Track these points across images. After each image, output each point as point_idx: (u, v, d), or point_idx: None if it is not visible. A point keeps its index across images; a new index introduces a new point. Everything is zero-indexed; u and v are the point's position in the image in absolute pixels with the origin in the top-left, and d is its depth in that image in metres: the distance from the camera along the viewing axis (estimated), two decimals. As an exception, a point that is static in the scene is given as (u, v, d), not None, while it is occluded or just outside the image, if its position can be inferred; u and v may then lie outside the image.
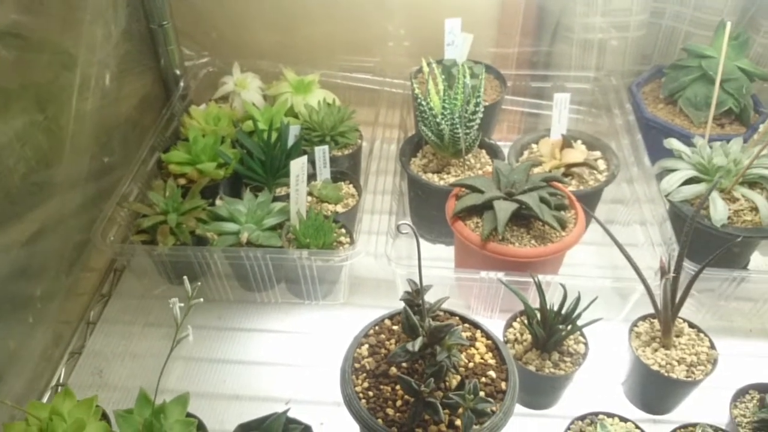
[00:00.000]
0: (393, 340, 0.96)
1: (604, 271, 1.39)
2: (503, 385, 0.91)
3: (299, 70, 1.63)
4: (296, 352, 1.25)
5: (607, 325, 1.17)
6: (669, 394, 1.09)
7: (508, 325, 1.13)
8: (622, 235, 1.36)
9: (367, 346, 0.96)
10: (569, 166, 1.33)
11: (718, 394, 1.08)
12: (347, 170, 1.47)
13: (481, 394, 0.88)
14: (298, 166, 1.22)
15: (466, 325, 1.00)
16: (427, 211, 1.38)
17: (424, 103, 1.27)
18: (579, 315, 1.04)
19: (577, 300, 1.03)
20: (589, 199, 1.34)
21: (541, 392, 1.11)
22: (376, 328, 0.99)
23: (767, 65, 1.65)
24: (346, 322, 1.27)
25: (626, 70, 1.67)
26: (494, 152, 1.41)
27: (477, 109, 1.27)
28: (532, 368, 1.06)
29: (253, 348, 1.26)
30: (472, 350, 0.96)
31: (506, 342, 1.10)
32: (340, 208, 1.37)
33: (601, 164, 1.38)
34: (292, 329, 1.29)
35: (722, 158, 1.23)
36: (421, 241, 1.45)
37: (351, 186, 1.43)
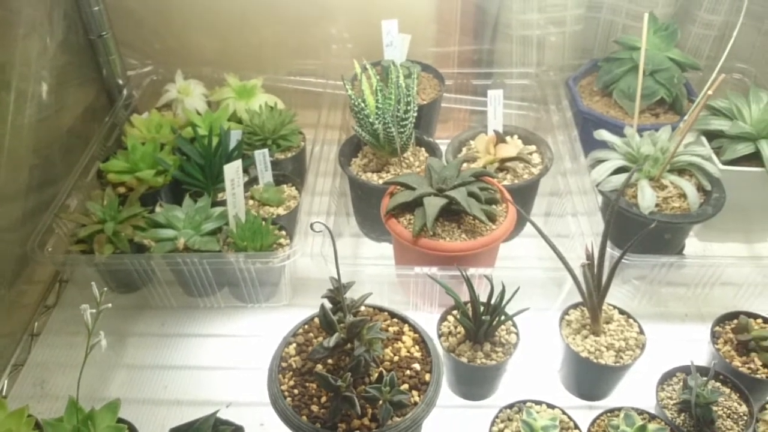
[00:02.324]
0: (321, 338, 0.97)
1: (544, 262, 1.41)
2: (427, 377, 0.93)
3: (243, 75, 1.64)
4: (238, 356, 1.25)
5: (543, 314, 1.20)
6: (600, 379, 1.11)
7: (443, 319, 1.15)
8: (557, 226, 1.40)
9: (295, 345, 0.97)
10: (503, 160, 1.35)
11: (654, 378, 1.11)
12: (291, 173, 1.48)
13: (405, 386, 0.89)
14: (232, 170, 1.23)
15: (395, 319, 1.02)
16: (369, 210, 1.40)
17: (357, 104, 1.28)
18: (504, 306, 1.06)
19: (503, 291, 1.05)
20: (525, 192, 1.36)
21: (476, 383, 1.13)
22: (306, 326, 1.00)
23: (704, 55, 1.70)
24: (289, 323, 1.27)
25: (566, 65, 1.70)
26: (432, 150, 1.43)
27: (409, 108, 1.29)
28: (464, 360, 1.07)
29: (196, 353, 1.27)
30: (399, 344, 0.98)
31: (440, 335, 1.12)
32: (281, 211, 1.38)
33: (536, 158, 1.40)
34: (235, 333, 1.30)
35: (650, 147, 1.26)
36: (366, 239, 1.48)
37: (293, 188, 1.44)
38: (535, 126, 1.60)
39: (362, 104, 1.28)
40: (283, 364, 0.94)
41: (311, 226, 0.85)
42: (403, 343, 0.98)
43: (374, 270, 1.21)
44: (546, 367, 1.20)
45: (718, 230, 1.42)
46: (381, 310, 1.03)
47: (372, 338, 0.86)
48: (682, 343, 1.24)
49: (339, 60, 1.72)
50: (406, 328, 1.01)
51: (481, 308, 1.07)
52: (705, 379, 0.99)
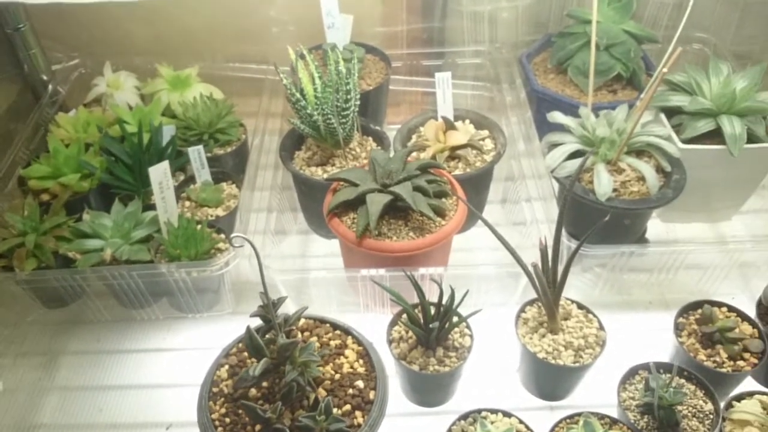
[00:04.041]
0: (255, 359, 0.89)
1: (502, 252, 1.35)
2: (371, 394, 0.86)
3: (178, 64, 1.53)
4: (179, 371, 1.17)
5: (501, 310, 1.13)
6: (560, 380, 1.06)
7: (394, 323, 1.08)
8: (514, 213, 1.33)
9: (227, 367, 0.89)
10: (454, 148, 1.27)
11: (618, 372, 1.05)
12: (231, 169, 1.39)
13: (347, 407, 0.82)
14: (159, 172, 1.13)
15: (337, 331, 0.95)
16: (315, 206, 1.30)
17: (293, 94, 1.19)
18: (456, 308, 0.99)
19: (452, 294, 0.98)
20: (478, 181, 1.29)
21: (430, 390, 1.06)
22: (239, 345, 0.92)
23: (662, 25, 1.63)
24: (233, 334, 1.19)
25: (520, 41, 1.62)
26: (380, 139, 1.35)
27: (350, 97, 1.20)
28: (415, 368, 1.01)
29: (134, 370, 1.18)
30: (342, 359, 0.90)
31: (391, 341, 1.05)
32: (221, 212, 1.29)
33: (489, 144, 1.33)
34: (176, 346, 1.22)
35: (606, 129, 1.19)
36: (316, 237, 1.40)
37: (234, 186, 1.35)
38: (490, 107, 1.52)
39: (298, 95, 1.19)
40: (214, 390, 0.86)
41: (230, 240, 0.76)
42: (346, 358, 0.90)
43: (318, 274, 1.13)
44: (505, 366, 1.14)
45: (682, 211, 1.36)
46: (322, 321, 0.96)
47: (306, 360, 0.78)
48: (647, 333, 1.19)
49: (280, 44, 1.61)
50: (349, 340, 0.93)
51: (432, 311, 1.00)
52: (667, 379, 0.93)
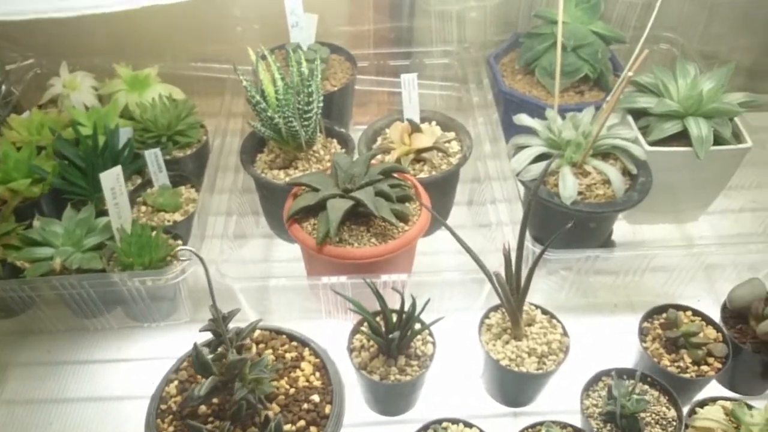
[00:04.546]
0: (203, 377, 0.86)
1: (466, 256, 1.32)
2: (327, 409, 0.83)
3: (138, 64, 1.48)
4: (134, 383, 1.13)
5: (466, 315, 1.11)
6: (523, 386, 1.04)
7: (355, 331, 1.05)
8: (481, 215, 1.31)
9: (176, 383, 0.86)
10: (419, 151, 1.25)
11: (583, 378, 1.03)
12: (192, 172, 1.35)
13: (301, 423, 0.79)
14: (111, 177, 1.09)
15: (294, 343, 0.92)
16: (278, 211, 1.26)
17: (252, 96, 1.15)
18: (418, 316, 0.97)
19: (413, 303, 0.96)
20: (444, 184, 1.27)
21: (391, 400, 1.04)
22: (190, 359, 0.89)
23: (631, 25, 1.62)
24: (191, 343, 1.16)
25: (488, 41, 1.60)
26: (345, 141, 1.31)
27: (311, 99, 1.16)
28: (376, 378, 0.98)
29: (87, 382, 1.14)
30: (298, 372, 0.87)
31: (352, 350, 1.02)
32: (178, 217, 1.25)
33: (455, 146, 1.31)
34: (131, 357, 1.18)
35: (571, 131, 1.17)
36: (280, 241, 1.37)
37: (193, 190, 1.31)
38: (458, 107, 1.50)
39: (258, 97, 1.15)
40: (163, 407, 0.83)
41: (176, 253, 0.73)
42: (302, 371, 0.87)
43: (278, 282, 1.09)
44: (470, 373, 1.12)
45: (648, 212, 1.35)
46: (279, 332, 0.92)
47: (257, 377, 0.75)
48: (613, 336, 1.18)
49: (245, 43, 1.57)
50: (306, 352, 0.90)
51: (395, 319, 0.97)
52: (630, 387, 0.92)
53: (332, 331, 1.08)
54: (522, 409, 1.09)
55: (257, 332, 0.93)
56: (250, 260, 1.32)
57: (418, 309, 0.96)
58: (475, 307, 1.15)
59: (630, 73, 1.02)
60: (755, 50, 1.72)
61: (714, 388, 1.10)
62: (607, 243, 1.28)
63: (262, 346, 0.91)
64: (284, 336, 0.92)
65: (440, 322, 1.03)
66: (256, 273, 1.29)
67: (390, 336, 0.92)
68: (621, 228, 1.36)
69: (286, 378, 0.86)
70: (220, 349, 0.79)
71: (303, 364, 0.88)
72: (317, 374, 0.87)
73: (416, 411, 1.08)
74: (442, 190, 1.29)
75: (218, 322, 0.77)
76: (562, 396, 1.07)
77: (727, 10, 1.64)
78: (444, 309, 1.17)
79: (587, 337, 1.17)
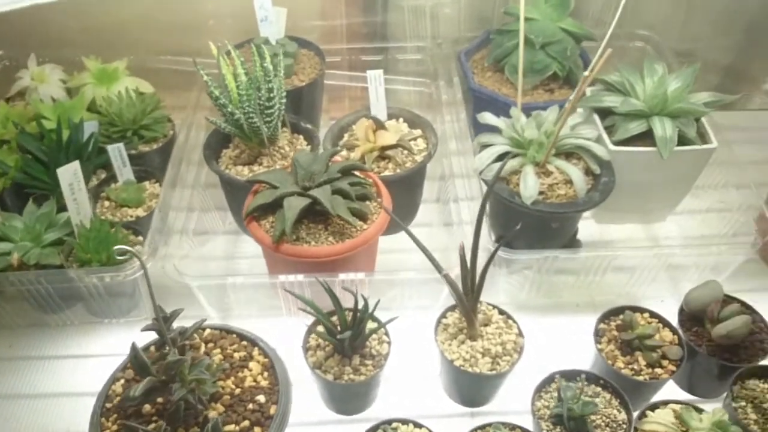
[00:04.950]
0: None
1: (434, 254, 1.33)
2: (272, 409, 0.83)
3: (109, 56, 1.47)
4: (94, 379, 1.12)
5: (426, 313, 1.11)
6: (477, 387, 1.04)
7: (311, 330, 1.05)
8: (446, 213, 1.30)
9: (123, 381, 0.86)
10: (384, 148, 1.24)
11: (541, 378, 1.04)
12: (158, 166, 1.34)
13: (246, 423, 0.79)
14: (68, 173, 1.09)
15: (243, 342, 0.91)
16: (242, 207, 1.26)
17: (212, 91, 1.15)
18: (370, 316, 0.97)
19: (366, 304, 0.96)
20: (409, 181, 1.26)
21: (346, 399, 1.04)
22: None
23: (607, 23, 1.60)
24: (150, 339, 1.17)
25: (462, 37, 1.58)
26: (311, 137, 1.31)
27: (273, 95, 1.16)
28: (329, 377, 0.98)
29: (47, 378, 1.14)
30: (245, 372, 0.87)
31: (308, 348, 1.02)
32: (141, 212, 1.24)
33: (421, 143, 1.30)
34: (91, 353, 1.18)
35: (534, 131, 1.17)
36: (246, 237, 1.36)
37: (158, 185, 1.30)
38: (429, 104, 1.49)
39: (216, 92, 1.15)
40: (108, 405, 0.83)
41: (115, 253, 0.73)
42: (250, 370, 0.87)
43: (236, 280, 1.09)
44: (429, 372, 1.12)
45: (616, 212, 1.34)
46: (228, 332, 0.92)
47: (197, 378, 0.75)
48: (573, 337, 1.18)
49: (216, 36, 1.56)
50: (255, 351, 0.90)
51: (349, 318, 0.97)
52: (578, 389, 0.92)
53: (293, 329, 1.08)
54: (479, 409, 1.09)
55: (207, 331, 0.93)
56: (214, 257, 1.31)
57: (373, 309, 0.95)
58: (436, 307, 1.15)
59: (586, 73, 1.01)
60: (733, 49, 1.72)
61: (673, 390, 1.11)
62: (572, 242, 1.28)
63: (211, 345, 0.91)
64: (234, 335, 0.92)
65: (401, 321, 1.03)
66: (219, 270, 1.29)
67: (338, 337, 0.92)
68: (588, 227, 1.36)
69: (233, 378, 0.86)
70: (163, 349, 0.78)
71: (251, 364, 0.88)
72: (265, 374, 0.87)
73: (374, 410, 1.08)
74: (408, 187, 1.28)
75: (160, 322, 0.76)
76: (519, 396, 1.07)
77: (704, 8, 1.64)
78: (405, 308, 1.17)
79: (547, 337, 1.17)
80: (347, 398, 1.04)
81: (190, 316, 1.03)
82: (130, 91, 1.37)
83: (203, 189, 1.28)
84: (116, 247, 0.71)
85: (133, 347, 0.75)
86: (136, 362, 0.74)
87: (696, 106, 1.22)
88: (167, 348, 0.77)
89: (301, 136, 1.32)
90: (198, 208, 1.26)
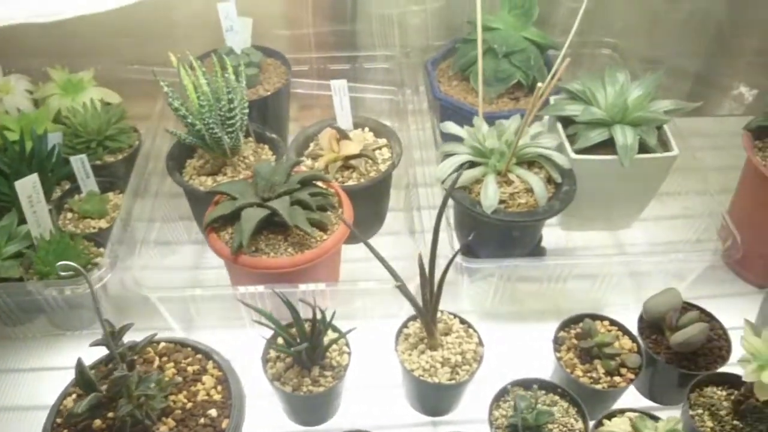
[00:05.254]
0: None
1: (400, 263, 1.32)
2: (224, 423, 0.83)
3: (78, 66, 1.47)
4: (52, 393, 1.11)
5: (390, 324, 1.11)
6: (438, 397, 1.04)
7: (271, 342, 1.04)
8: (413, 222, 1.30)
9: (74, 396, 0.85)
10: (348, 158, 1.24)
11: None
12: (123, 177, 1.34)
13: (196, 438, 0.79)
14: (27, 186, 1.08)
15: (198, 356, 0.91)
16: (207, 218, 1.27)
17: (171, 102, 1.14)
18: (327, 328, 0.97)
19: (323, 316, 0.96)
20: (374, 191, 1.26)
21: (306, 410, 1.04)
22: (93, 372, 0.88)
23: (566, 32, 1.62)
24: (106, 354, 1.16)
25: (430, 45, 1.59)
26: (276, 147, 1.31)
27: (233, 106, 1.16)
28: (288, 389, 0.98)
29: (6, 391, 1.13)
30: (198, 386, 0.87)
31: (267, 360, 1.02)
32: (104, 224, 1.24)
33: (386, 152, 1.30)
34: (53, 365, 1.17)
35: (494, 140, 1.17)
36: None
37: (122, 196, 1.30)
38: (396, 113, 1.49)
39: (176, 104, 1.15)
40: (59, 420, 0.82)
41: (58, 268, 0.72)
42: (203, 384, 0.87)
43: (194, 292, 1.09)
44: (392, 382, 1.12)
45: (582, 219, 1.35)
46: (184, 345, 0.92)
47: (142, 394, 0.75)
48: (537, 344, 1.18)
49: (185, 46, 1.56)
50: (209, 365, 0.90)
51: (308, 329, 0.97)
52: (532, 399, 0.92)
53: (255, 340, 1.07)
54: (441, 419, 1.09)
55: (162, 344, 0.92)
56: (180, 267, 1.31)
57: (330, 320, 0.95)
58: (402, 316, 1.15)
59: (540, 84, 1.02)
60: (702, 56, 1.74)
61: (636, 398, 1.11)
62: (537, 249, 1.28)
63: (165, 359, 0.90)
64: (189, 348, 0.92)
65: (365, 330, 1.04)
66: (185, 281, 1.28)
67: (292, 349, 0.92)
68: (554, 234, 1.36)
69: (185, 392, 0.85)
70: (111, 365, 0.78)
71: (205, 378, 0.88)
72: (218, 388, 0.87)
73: (336, 420, 1.08)
74: (373, 196, 1.29)
75: (107, 337, 0.76)
76: (482, 405, 1.07)
77: (672, 15, 1.65)
78: (370, 317, 1.18)
79: (511, 345, 1.18)
80: (307, 410, 1.03)
81: (155, 327, 1.03)
82: (95, 101, 1.37)
83: (167, 199, 1.27)
84: (59, 263, 0.70)
85: (79, 363, 0.75)
86: (81, 379, 0.74)
87: (656, 114, 1.23)
88: (114, 364, 0.77)
89: (267, 146, 1.32)
90: (162, 219, 1.25)
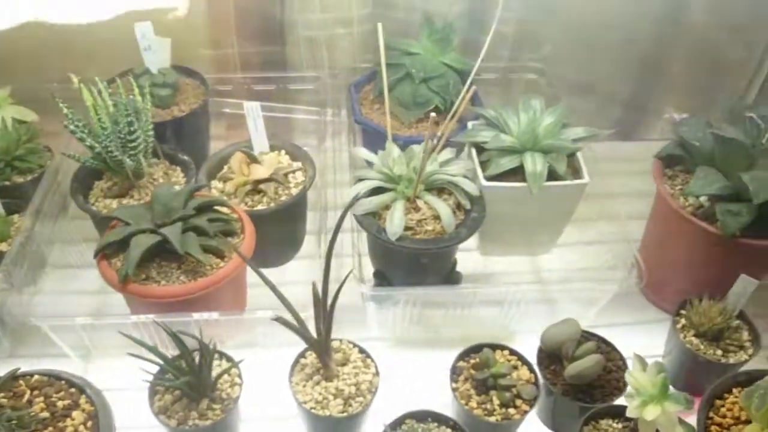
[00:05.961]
0: None
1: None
2: (89, 461, 0.80)
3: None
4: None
5: (292, 353, 1.08)
6: (331, 430, 1.02)
7: (158, 375, 1.01)
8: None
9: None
10: (258, 182, 1.23)
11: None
12: (31, 199, 1.30)
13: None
14: None
15: (72, 389, 0.88)
16: (115, 241, 1.24)
17: (66, 124, 1.12)
18: (209, 364, 0.94)
19: (205, 348, 0.93)
20: (285, 215, 1.25)
21: (196, 444, 1.01)
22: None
23: (504, 56, 1.62)
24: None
25: (358, 68, 1.58)
26: (187, 169, 1.29)
27: (133, 128, 1.13)
28: (173, 423, 0.95)
29: None
30: (67, 422, 0.84)
31: (155, 392, 0.99)
32: (5, 247, 1.20)
33: (300, 176, 1.29)
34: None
35: (403, 167, 1.17)
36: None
37: (27, 218, 1.26)
38: (319, 134, 1.48)
39: (71, 126, 1.12)
40: None
41: None
42: (72, 420, 0.84)
43: (85, 321, 1.05)
44: (289, 412, 1.09)
45: (500, 243, 1.35)
46: (58, 378, 0.89)
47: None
48: (441, 373, 1.16)
49: (107, 64, 1.54)
50: (82, 399, 0.87)
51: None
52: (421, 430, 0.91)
53: (153, 369, 1.04)
54: (339, 450, 1.07)
55: (35, 378, 0.89)
56: (85, 292, 1.27)
57: (212, 351, 0.93)
58: (303, 345, 1.13)
59: (440, 113, 1.01)
60: (631, 81, 1.75)
61: (539, 428, 1.10)
62: (452, 275, 1.27)
63: (36, 392, 0.87)
64: (62, 382, 0.89)
65: (265, 360, 1.01)
66: (87, 307, 1.25)
67: (173, 382, 0.90)
68: (472, 259, 1.35)
69: (51, 428, 0.82)
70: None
71: (75, 413, 0.85)
72: (89, 423, 0.84)
73: (231, 452, 1.06)
74: (285, 220, 1.27)
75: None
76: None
77: (601, 41, 1.66)
78: (274, 345, 1.15)
79: (415, 374, 1.16)
80: (196, 443, 1.00)
81: (54, 355, 1.01)
82: (6, 120, 1.34)
83: (71, 221, 1.24)
84: None
85: None
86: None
87: (566, 143, 1.23)
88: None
89: (178, 168, 1.30)
90: (65, 241, 1.22)
